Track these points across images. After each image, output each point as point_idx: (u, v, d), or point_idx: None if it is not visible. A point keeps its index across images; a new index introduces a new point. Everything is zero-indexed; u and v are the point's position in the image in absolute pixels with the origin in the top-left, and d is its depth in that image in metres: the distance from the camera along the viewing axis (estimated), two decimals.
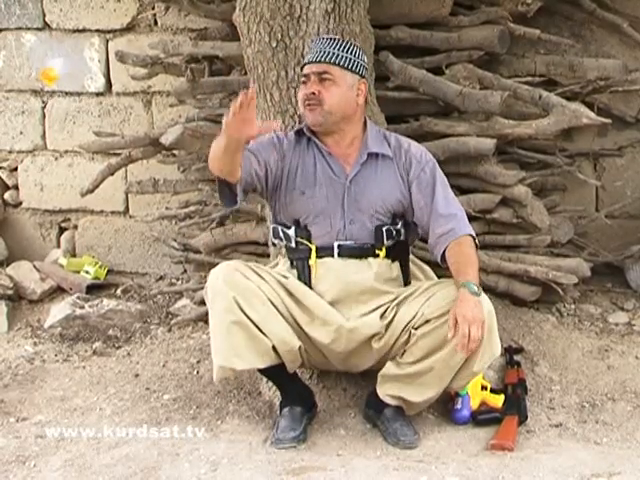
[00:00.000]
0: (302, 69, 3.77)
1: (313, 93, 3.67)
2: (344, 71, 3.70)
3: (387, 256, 3.75)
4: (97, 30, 5.59)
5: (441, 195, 3.73)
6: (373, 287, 3.69)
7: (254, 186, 3.75)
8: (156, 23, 5.48)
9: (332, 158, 3.76)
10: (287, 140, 3.81)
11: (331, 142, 3.77)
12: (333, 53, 3.69)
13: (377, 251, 3.73)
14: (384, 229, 3.73)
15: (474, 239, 3.68)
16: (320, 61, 3.69)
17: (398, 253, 3.79)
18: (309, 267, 3.73)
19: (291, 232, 3.77)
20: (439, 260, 3.70)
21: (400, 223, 3.77)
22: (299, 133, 3.82)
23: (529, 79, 4.63)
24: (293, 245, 3.78)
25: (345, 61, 3.70)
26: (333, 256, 3.72)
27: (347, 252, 3.72)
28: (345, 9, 4.03)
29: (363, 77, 3.77)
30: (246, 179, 3.67)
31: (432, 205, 3.70)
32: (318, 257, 3.72)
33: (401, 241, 3.79)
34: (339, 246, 3.72)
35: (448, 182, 3.81)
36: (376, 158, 3.77)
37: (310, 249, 3.73)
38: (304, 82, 3.73)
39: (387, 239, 3.74)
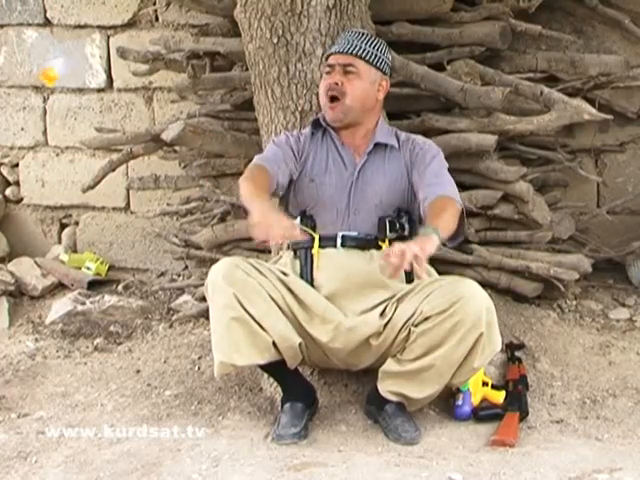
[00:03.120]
0: (327, 59, 3.82)
1: (336, 83, 3.73)
2: (369, 66, 3.76)
3: None
4: (98, 26, 5.60)
5: (436, 170, 3.76)
6: (375, 278, 3.69)
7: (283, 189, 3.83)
8: (157, 19, 5.48)
9: (344, 149, 3.82)
10: (302, 137, 3.88)
11: (346, 134, 3.83)
12: (360, 46, 3.76)
13: (380, 243, 3.74)
14: (387, 220, 3.74)
15: (462, 211, 3.66)
16: (346, 52, 3.75)
17: None
18: (311, 256, 3.75)
19: (296, 222, 3.78)
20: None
21: (405, 218, 3.78)
22: (315, 124, 3.87)
23: (530, 75, 4.63)
24: None
25: (371, 56, 3.76)
26: (336, 247, 3.74)
27: (350, 243, 3.74)
28: (346, 5, 4.03)
29: (385, 74, 3.83)
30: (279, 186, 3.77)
31: (429, 172, 3.73)
32: (321, 247, 3.75)
33: (405, 237, 3.79)
34: (342, 236, 3.75)
35: None
36: (384, 149, 3.82)
37: (313, 238, 3.75)
38: (328, 72, 3.78)
39: (390, 231, 3.74)
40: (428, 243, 3.35)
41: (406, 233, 3.78)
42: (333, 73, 3.75)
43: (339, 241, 3.75)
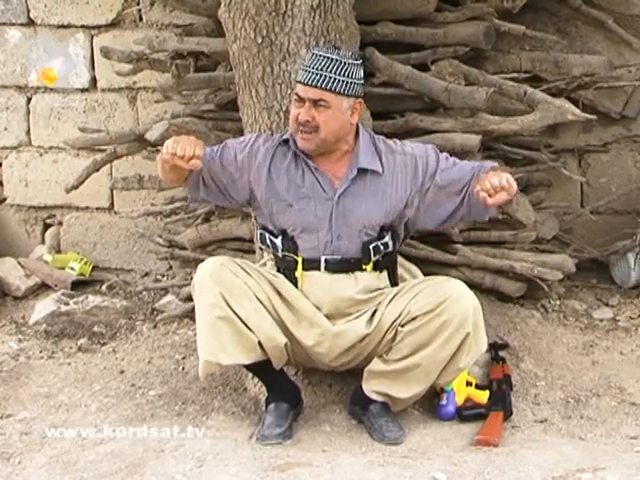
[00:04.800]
0: (296, 84, 3.70)
1: (307, 121, 3.61)
2: (340, 97, 3.62)
3: (374, 269, 3.74)
4: (82, 26, 5.57)
5: (455, 169, 3.76)
6: (361, 300, 3.70)
7: (216, 191, 3.82)
8: (141, 19, 5.46)
9: (320, 173, 3.71)
10: (263, 148, 3.77)
11: (320, 158, 3.71)
12: (329, 77, 3.60)
13: (364, 266, 3.72)
14: (371, 246, 3.71)
15: None
16: (315, 86, 3.60)
17: (386, 264, 3.79)
18: (295, 279, 3.72)
19: (278, 242, 3.76)
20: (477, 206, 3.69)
21: (387, 236, 3.74)
22: (285, 143, 3.76)
23: (514, 75, 4.62)
24: (280, 255, 3.77)
25: (341, 86, 3.61)
26: (319, 269, 3.71)
27: (334, 267, 3.71)
28: (331, 5, 4.02)
29: (358, 97, 3.70)
30: (210, 183, 3.78)
31: (453, 181, 3.72)
32: (304, 269, 3.72)
33: (389, 253, 3.78)
34: (326, 260, 3.71)
35: None
36: (365, 173, 3.71)
37: (297, 261, 3.73)
38: (297, 100, 3.65)
39: (374, 255, 3.72)
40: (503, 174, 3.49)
41: (390, 249, 3.76)
42: (304, 107, 3.62)
43: (322, 265, 3.71)
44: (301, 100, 3.64)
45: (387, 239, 3.74)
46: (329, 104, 3.61)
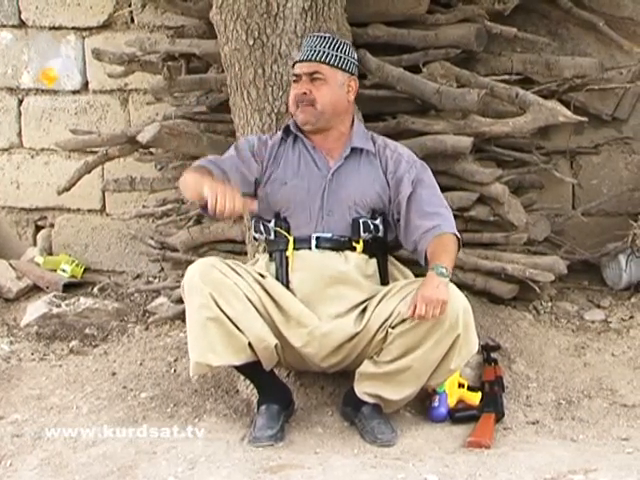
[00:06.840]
0: (293, 67, 3.82)
1: (304, 93, 3.73)
2: (334, 70, 3.76)
3: (364, 251, 3.76)
4: (73, 27, 5.57)
5: (429, 192, 3.78)
6: (349, 277, 3.70)
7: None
8: (133, 21, 5.46)
9: (317, 152, 3.81)
10: (271, 141, 3.87)
11: (318, 138, 3.81)
12: (323, 52, 3.75)
13: (354, 244, 3.74)
14: (361, 221, 3.75)
15: (458, 240, 3.71)
16: (310, 60, 3.76)
17: (376, 250, 3.80)
18: (287, 258, 3.74)
19: (271, 225, 3.80)
20: (422, 258, 3.70)
21: (379, 219, 3.79)
22: (286, 130, 3.86)
23: (506, 77, 4.63)
24: (272, 237, 3.79)
25: (335, 59, 3.76)
26: (310, 248, 3.74)
27: (324, 244, 3.74)
28: (322, 7, 4.04)
29: (353, 74, 3.83)
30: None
31: (419, 202, 3.74)
32: (295, 249, 3.74)
33: (379, 238, 3.80)
34: (317, 238, 3.74)
35: None
36: (360, 153, 3.82)
37: (288, 240, 3.75)
38: (295, 81, 3.79)
39: (364, 232, 3.75)
40: (442, 292, 3.48)
41: (380, 234, 3.79)
42: (300, 82, 3.76)
43: (313, 242, 3.75)
44: (298, 77, 3.77)
45: (378, 222, 3.79)
46: (324, 76, 3.75)
